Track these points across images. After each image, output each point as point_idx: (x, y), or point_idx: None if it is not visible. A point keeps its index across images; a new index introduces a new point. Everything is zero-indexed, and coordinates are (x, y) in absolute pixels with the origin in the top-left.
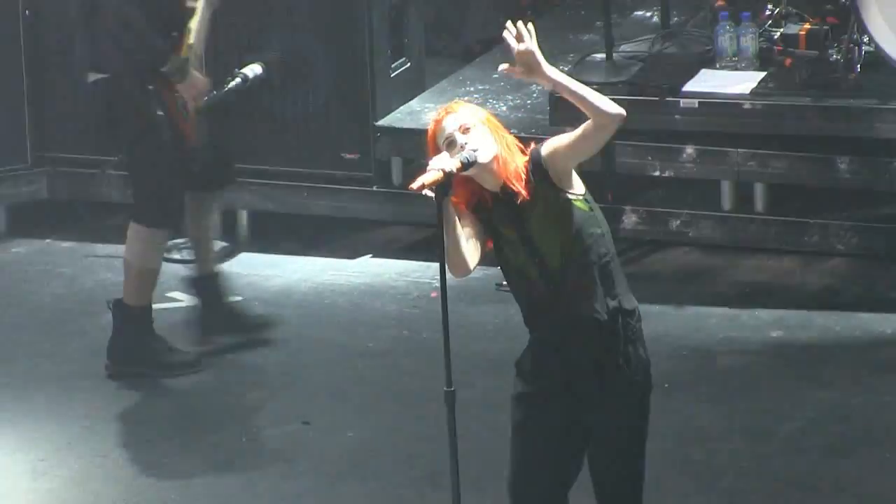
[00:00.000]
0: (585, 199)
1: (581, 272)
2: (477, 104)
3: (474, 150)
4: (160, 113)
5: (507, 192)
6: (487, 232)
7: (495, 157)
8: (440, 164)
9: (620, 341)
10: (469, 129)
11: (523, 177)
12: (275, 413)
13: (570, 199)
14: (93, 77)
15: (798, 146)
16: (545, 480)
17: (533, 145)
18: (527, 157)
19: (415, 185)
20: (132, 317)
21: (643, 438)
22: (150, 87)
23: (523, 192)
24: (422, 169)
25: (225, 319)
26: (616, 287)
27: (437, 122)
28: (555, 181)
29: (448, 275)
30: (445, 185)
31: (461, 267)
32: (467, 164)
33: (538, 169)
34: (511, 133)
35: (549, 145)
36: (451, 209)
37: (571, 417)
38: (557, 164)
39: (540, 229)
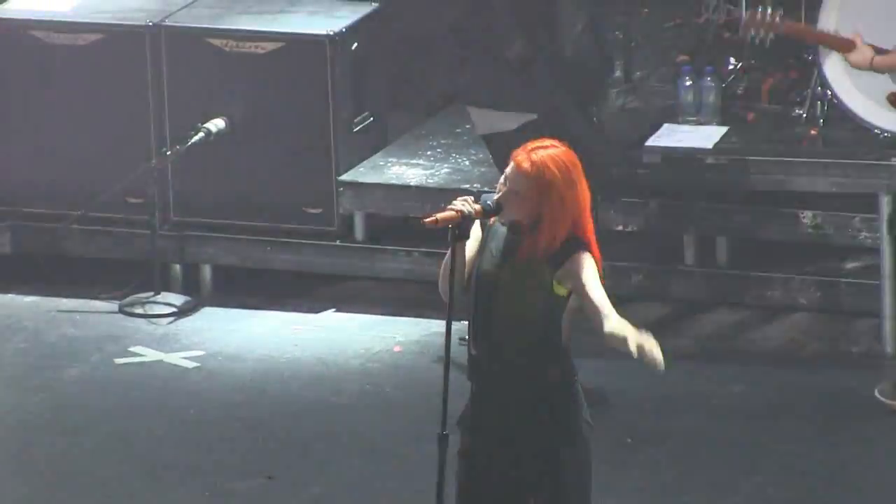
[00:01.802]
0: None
1: (521, 335)
2: (441, 158)
3: (499, 205)
4: None
5: (516, 231)
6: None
7: (522, 221)
8: (460, 206)
9: (539, 406)
10: (522, 199)
11: (544, 247)
12: (238, 467)
13: (552, 284)
14: None
15: (761, 200)
16: None
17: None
18: (566, 237)
19: (428, 220)
20: None
21: (581, 496)
22: None
23: (536, 253)
24: (441, 208)
25: None
26: (550, 357)
27: (518, 163)
28: (559, 272)
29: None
30: (463, 226)
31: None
32: (487, 212)
33: (557, 256)
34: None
35: (584, 269)
36: (459, 250)
37: (509, 473)
38: (569, 281)
39: (514, 278)
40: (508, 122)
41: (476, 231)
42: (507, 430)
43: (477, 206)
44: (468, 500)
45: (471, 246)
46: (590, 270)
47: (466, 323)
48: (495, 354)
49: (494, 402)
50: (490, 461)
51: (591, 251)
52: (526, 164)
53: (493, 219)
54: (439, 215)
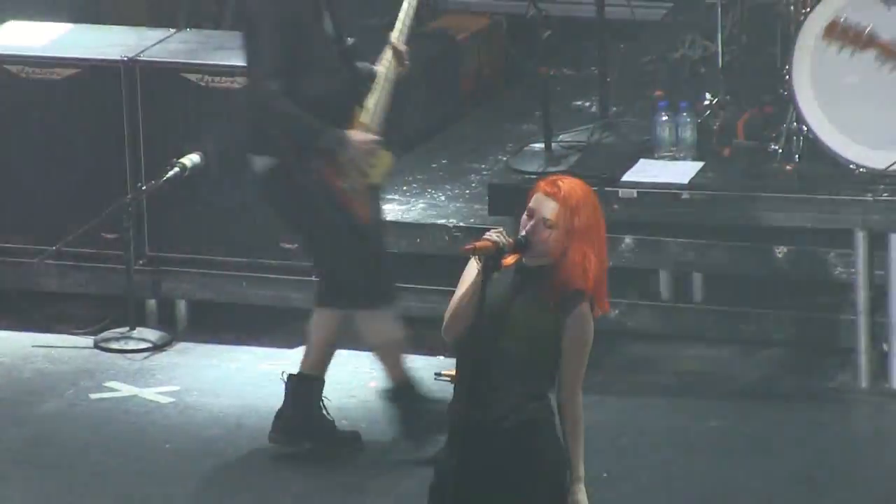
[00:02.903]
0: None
1: (513, 368)
2: (416, 193)
3: (527, 239)
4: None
5: (532, 271)
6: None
7: (550, 262)
8: (495, 237)
9: (514, 444)
10: (549, 226)
11: (559, 292)
12: (215, 502)
13: (551, 333)
14: (259, 162)
15: (736, 236)
16: None
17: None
18: (580, 287)
19: (468, 247)
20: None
21: None
22: (314, 168)
23: (551, 302)
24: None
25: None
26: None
27: (545, 190)
28: (561, 319)
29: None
30: (495, 256)
31: (456, 331)
32: (519, 247)
33: (567, 303)
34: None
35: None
36: (481, 284)
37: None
38: (564, 339)
39: (524, 315)
40: None
41: (473, 273)
42: (488, 467)
43: (510, 240)
44: None
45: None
46: (585, 345)
47: (441, 359)
48: (488, 391)
49: (477, 440)
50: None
51: (588, 306)
52: (553, 190)
53: (507, 261)
54: (477, 244)
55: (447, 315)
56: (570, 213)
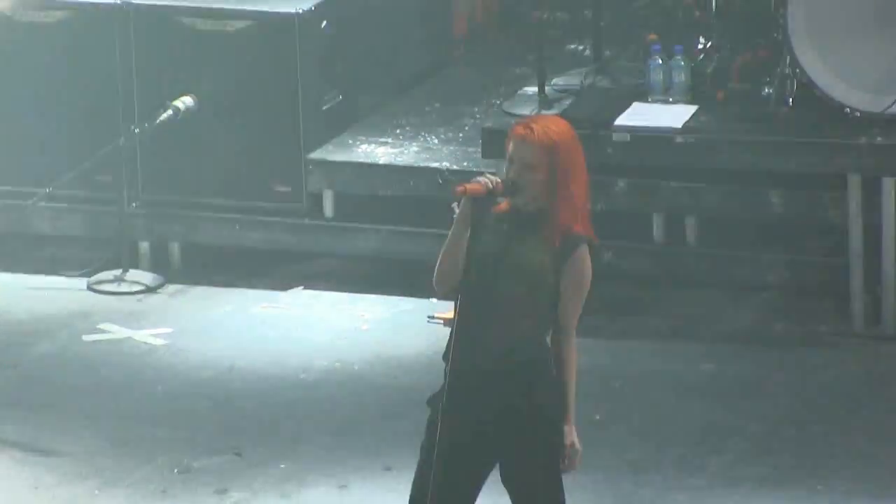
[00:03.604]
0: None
1: (512, 308)
2: (409, 136)
3: (515, 183)
4: None
5: (527, 216)
6: (474, 231)
7: (542, 205)
8: (487, 180)
9: (512, 386)
10: (531, 170)
11: (559, 230)
12: (207, 444)
13: (550, 275)
14: None
15: (730, 179)
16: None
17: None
18: (578, 227)
19: (459, 188)
20: None
21: (551, 476)
22: None
23: (550, 246)
24: (469, 180)
25: None
26: (538, 336)
27: (519, 134)
28: (560, 262)
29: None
30: (484, 199)
31: (449, 280)
32: (508, 192)
33: (566, 246)
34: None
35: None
36: (467, 222)
37: (481, 446)
38: (564, 280)
39: (521, 256)
40: None
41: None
42: (484, 409)
43: (500, 184)
44: (439, 470)
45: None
46: (583, 288)
47: (433, 301)
48: (487, 334)
49: (474, 382)
50: (462, 444)
51: (587, 250)
52: (528, 132)
53: (501, 207)
54: (468, 185)
55: (437, 266)
56: (550, 153)
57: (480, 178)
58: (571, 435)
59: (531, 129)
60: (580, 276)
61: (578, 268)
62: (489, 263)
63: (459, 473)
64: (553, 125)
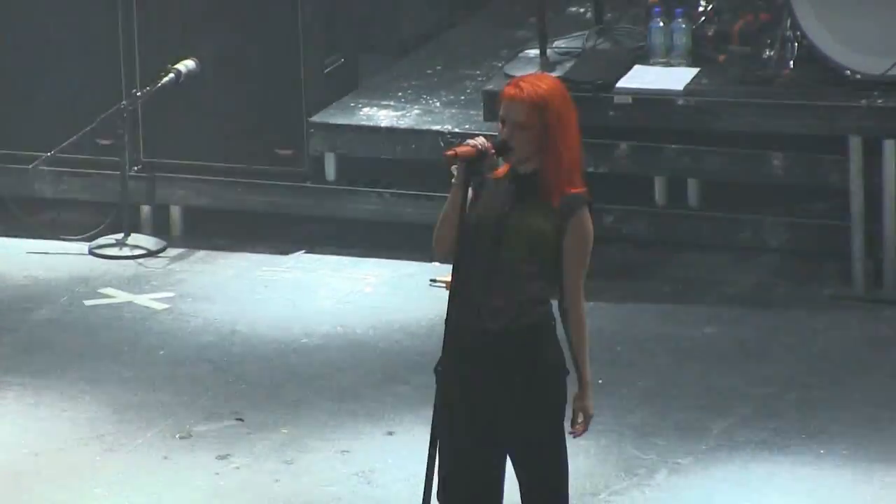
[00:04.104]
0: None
1: (514, 272)
2: (411, 99)
3: (506, 143)
4: None
5: (526, 178)
6: (475, 195)
7: (538, 166)
8: (476, 142)
9: (519, 347)
10: (523, 128)
11: (565, 185)
12: (208, 409)
13: (552, 237)
14: None
15: (731, 142)
16: (467, 487)
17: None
18: (575, 186)
19: (449, 152)
20: None
21: (554, 445)
22: None
23: (551, 207)
24: (459, 143)
25: None
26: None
27: (509, 94)
28: (562, 223)
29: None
30: (476, 162)
31: (447, 244)
32: (499, 151)
33: (568, 207)
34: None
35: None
36: (464, 189)
37: (482, 423)
38: (566, 242)
39: (522, 220)
40: None
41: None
42: (489, 377)
43: (489, 144)
44: (448, 446)
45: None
46: (586, 247)
47: (435, 265)
48: (491, 298)
49: (478, 348)
50: (469, 408)
51: (587, 211)
52: (517, 91)
53: (500, 172)
54: (458, 149)
55: (436, 231)
56: (540, 110)
57: (471, 141)
58: (585, 399)
59: (520, 88)
60: (582, 237)
61: (580, 228)
62: (490, 228)
63: (470, 442)
64: (542, 83)
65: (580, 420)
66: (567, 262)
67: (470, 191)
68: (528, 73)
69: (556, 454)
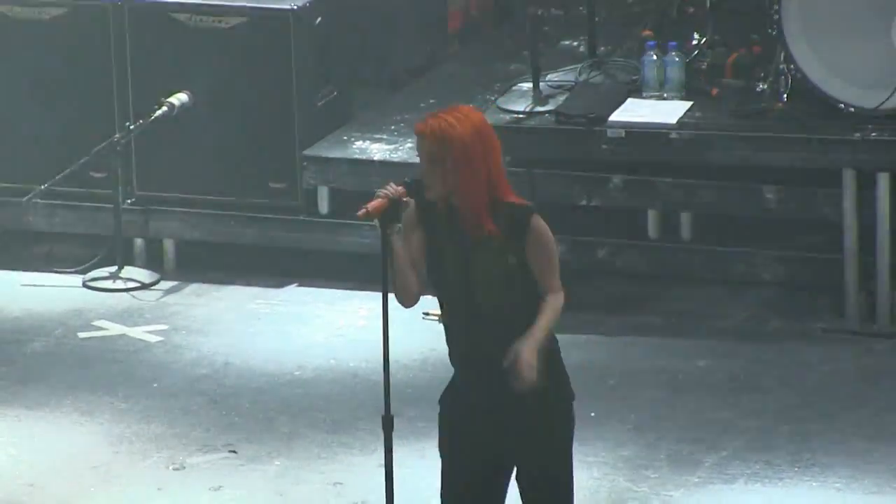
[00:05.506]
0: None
1: (499, 315)
2: (404, 132)
3: (418, 181)
4: None
5: (461, 215)
6: (431, 241)
7: (452, 195)
8: (386, 191)
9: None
10: (433, 163)
11: (489, 214)
12: (202, 441)
13: (518, 263)
14: None
15: (724, 175)
16: None
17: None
18: (514, 200)
19: (360, 213)
20: None
21: (563, 473)
22: None
23: (486, 227)
24: (371, 198)
25: None
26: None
27: (418, 130)
28: (519, 244)
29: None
30: (392, 211)
31: (408, 296)
32: (410, 191)
33: (518, 225)
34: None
35: (547, 249)
36: (396, 237)
37: (496, 445)
38: (533, 257)
39: (483, 264)
40: None
41: (411, 219)
42: (495, 406)
43: (400, 188)
44: (455, 473)
45: (415, 236)
46: (551, 250)
47: (428, 298)
48: (484, 337)
49: (482, 382)
50: (476, 435)
51: (539, 218)
52: (422, 126)
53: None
54: (369, 205)
55: (394, 294)
56: (444, 144)
57: (381, 191)
58: (526, 348)
59: (425, 124)
60: (543, 244)
61: (538, 237)
62: (458, 280)
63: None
64: (450, 115)
65: (517, 365)
66: (537, 270)
67: (422, 231)
68: (448, 107)
69: (564, 482)
